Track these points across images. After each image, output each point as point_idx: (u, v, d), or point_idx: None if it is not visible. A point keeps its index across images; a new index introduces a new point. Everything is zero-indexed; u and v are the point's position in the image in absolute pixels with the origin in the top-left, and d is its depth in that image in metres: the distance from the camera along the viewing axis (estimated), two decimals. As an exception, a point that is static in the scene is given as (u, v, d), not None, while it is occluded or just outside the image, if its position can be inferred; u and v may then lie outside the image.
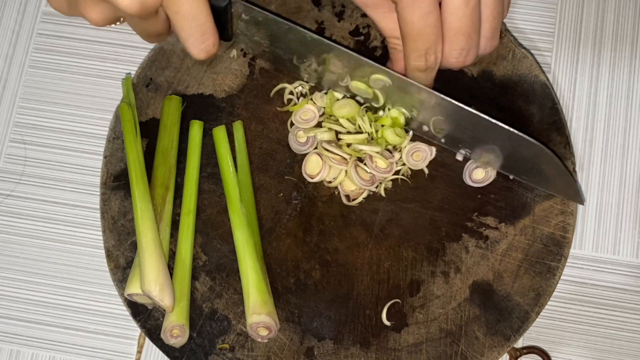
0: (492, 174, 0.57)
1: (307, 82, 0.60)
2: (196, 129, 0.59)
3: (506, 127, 0.52)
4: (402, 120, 0.57)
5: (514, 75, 0.59)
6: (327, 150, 0.57)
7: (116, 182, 0.59)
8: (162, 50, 0.62)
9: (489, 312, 0.56)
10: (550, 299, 0.56)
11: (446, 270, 0.57)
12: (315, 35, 0.52)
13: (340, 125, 0.59)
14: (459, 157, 0.58)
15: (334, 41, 0.53)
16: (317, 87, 0.60)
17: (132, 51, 0.64)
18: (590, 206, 0.60)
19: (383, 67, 0.53)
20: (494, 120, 0.52)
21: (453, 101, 0.52)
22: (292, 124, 0.60)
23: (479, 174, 0.58)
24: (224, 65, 0.61)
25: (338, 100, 0.59)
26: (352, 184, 0.58)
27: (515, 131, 0.52)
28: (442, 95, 0.52)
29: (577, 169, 0.59)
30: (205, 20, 0.47)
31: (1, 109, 0.64)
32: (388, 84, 0.54)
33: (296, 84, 0.60)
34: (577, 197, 0.56)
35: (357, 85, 0.56)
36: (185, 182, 0.58)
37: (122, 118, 0.58)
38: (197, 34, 0.47)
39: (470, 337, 0.55)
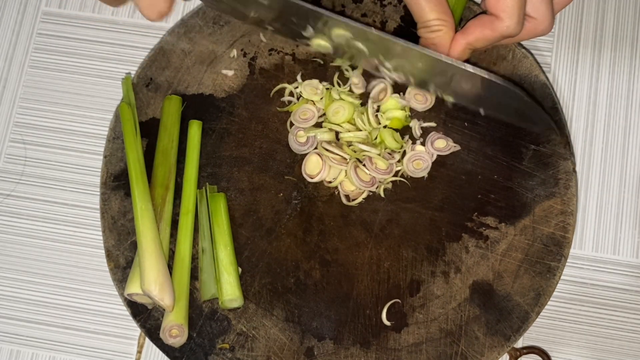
0: (452, 144, 0.58)
1: (272, 31, 0.58)
2: (195, 129, 0.59)
3: (472, 70, 0.51)
4: (403, 118, 0.58)
5: (514, 75, 0.59)
6: (327, 150, 0.57)
7: (116, 182, 0.59)
8: (162, 50, 0.62)
9: (489, 312, 0.56)
10: (550, 299, 0.56)
11: (446, 270, 0.57)
12: None
13: (340, 125, 0.59)
14: (431, 90, 0.57)
15: None
16: (283, 35, 0.58)
17: (132, 51, 0.64)
18: (590, 206, 0.60)
19: (344, 19, 0.51)
20: (456, 63, 0.51)
21: (417, 48, 0.51)
22: (291, 124, 0.60)
23: (440, 144, 0.58)
24: (224, 65, 0.61)
25: (331, 105, 0.59)
26: (351, 184, 0.58)
27: (485, 75, 0.51)
28: (408, 43, 0.51)
29: (577, 169, 0.59)
30: None
31: (1, 109, 0.64)
32: (350, 36, 0.53)
33: (296, 84, 0.60)
34: (552, 130, 0.55)
35: (318, 43, 0.55)
36: (184, 182, 0.58)
37: (122, 118, 0.58)
38: None
39: (470, 337, 0.55)
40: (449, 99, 0.57)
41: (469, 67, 0.51)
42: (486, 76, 0.51)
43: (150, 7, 0.47)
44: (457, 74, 0.52)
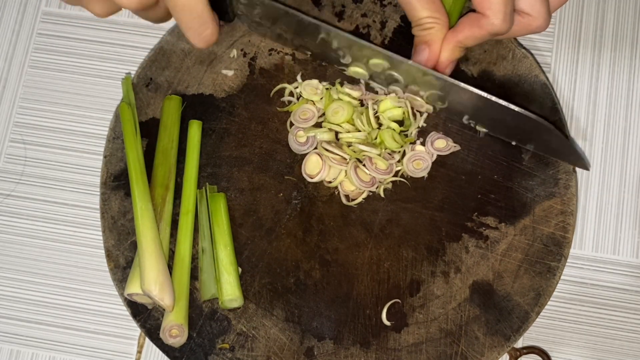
0: (451, 145, 0.59)
1: (310, 57, 0.61)
2: (195, 129, 0.59)
3: (505, 104, 0.52)
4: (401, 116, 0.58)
5: (514, 75, 0.59)
6: (327, 150, 0.57)
7: (116, 182, 0.59)
8: (162, 50, 0.62)
9: (489, 312, 0.56)
10: (550, 299, 0.56)
11: (446, 270, 0.57)
12: (312, 20, 0.53)
13: (340, 125, 0.59)
14: (465, 121, 0.59)
15: (331, 24, 0.55)
16: (321, 60, 0.61)
17: (132, 51, 0.64)
18: (590, 206, 0.60)
19: (381, 49, 0.54)
20: (487, 95, 0.53)
21: (452, 81, 0.53)
22: (291, 124, 0.60)
23: (440, 144, 0.59)
24: (224, 65, 0.61)
25: (331, 105, 0.59)
26: (351, 184, 0.58)
27: (516, 108, 0.52)
28: (443, 76, 0.54)
29: (577, 169, 0.59)
30: (203, 10, 0.47)
31: (1, 109, 0.64)
32: (386, 67, 0.55)
33: (296, 84, 0.60)
34: (581, 162, 0.56)
35: (355, 70, 0.58)
36: (184, 182, 0.58)
37: (122, 118, 0.58)
38: (195, 24, 0.48)
39: (470, 337, 0.55)
40: (482, 129, 0.58)
41: (502, 102, 0.52)
42: (517, 110, 0.52)
43: (197, 35, 0.49)
44: (490, 107, 0.54)
